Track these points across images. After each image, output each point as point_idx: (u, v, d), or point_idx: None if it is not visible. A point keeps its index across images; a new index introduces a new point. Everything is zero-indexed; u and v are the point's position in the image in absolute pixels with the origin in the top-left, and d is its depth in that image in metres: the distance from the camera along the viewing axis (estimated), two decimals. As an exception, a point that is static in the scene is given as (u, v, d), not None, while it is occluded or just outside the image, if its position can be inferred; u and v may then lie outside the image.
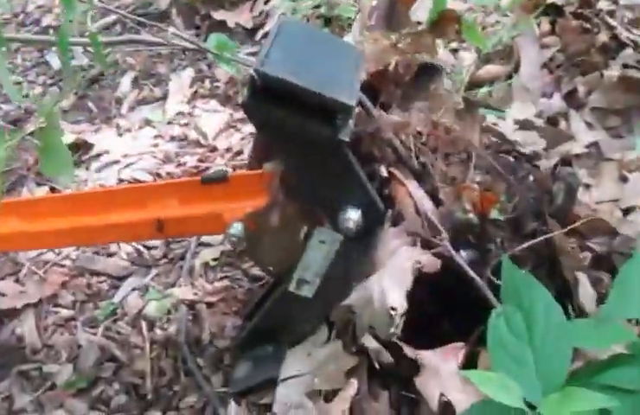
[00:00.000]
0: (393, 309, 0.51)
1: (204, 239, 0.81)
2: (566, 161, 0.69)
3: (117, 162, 0.96)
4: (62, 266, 0.82)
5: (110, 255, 0.83)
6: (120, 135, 1.02)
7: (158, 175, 0.93)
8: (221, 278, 0.77)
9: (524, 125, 0.74)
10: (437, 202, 0.57)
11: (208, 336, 0.70)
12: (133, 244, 0.82)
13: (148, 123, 1.03)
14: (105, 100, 1.10)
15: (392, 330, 0.51)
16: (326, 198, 0.56)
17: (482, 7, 0.98)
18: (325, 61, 0.53)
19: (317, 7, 1.10)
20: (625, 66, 0.83)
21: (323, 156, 0.54)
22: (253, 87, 0.50)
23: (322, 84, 0.50)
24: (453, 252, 0.52)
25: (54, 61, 1.15)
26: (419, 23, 0.68)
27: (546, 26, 0.92)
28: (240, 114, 0.97)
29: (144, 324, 0.73)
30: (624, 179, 0.71)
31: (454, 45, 0.98)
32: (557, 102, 0.83)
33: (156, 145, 0.98)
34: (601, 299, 0.57)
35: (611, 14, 0.89)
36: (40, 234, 0.64)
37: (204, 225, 0.62)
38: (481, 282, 0.51)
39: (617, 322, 0.43)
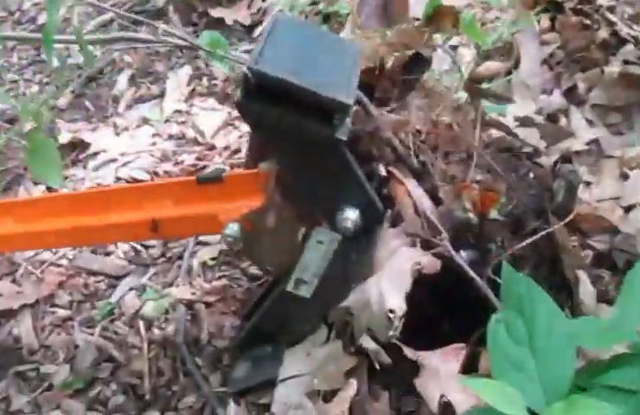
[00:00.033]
0: (391, 311, 0.50)
1: (202, 238, 0.81)
2: (566, 158, 0.68)
3: (114, 160, 0.95)
4: (59, 266, 0.82)
5: (107, 254, 0.82)
6: (117, 133, 1.01)
7: (156, 173, 0.92)
8: (220, 278, 0.76)
9: (524, 122, 0.73)
10: (436, 202, 0.57)
11: (207, 336, 0.69)
12: (130, 243, 0.82)
13: (145, 121, 1.02)
14: (102, 99, 1.09)
15: (390, 333, 0.50)
16: (324, 198, 0.56)
17: (481, 3, 0.97)
18: (321, 59, 0.52)
19: (315, 3, 1.09)
20: (626, 62, 0.82)
21: (320, 156, 0.53)
22: (247, 86, 0.49)
23: (318, 82, 0.49)
24: (453, 253, 0.51)
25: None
26: (416, 20, 0.67)
27: (546, 22, 0.92)
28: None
29: (141, 324, 0.72)
30: (624, 176, 0.71)
31: (454, 42, 0.98)
32: (557, 99, 0.83)
33: (153, 144, 0.98)
34: (601, 297, 0.57)
35: (612, 10, 0.89)
36: (34, 234, 0.63)
37: (200, 225, 0.61)
38: (481, 282, 0.50)
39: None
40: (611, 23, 0.86)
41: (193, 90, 1.06)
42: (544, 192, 0.56)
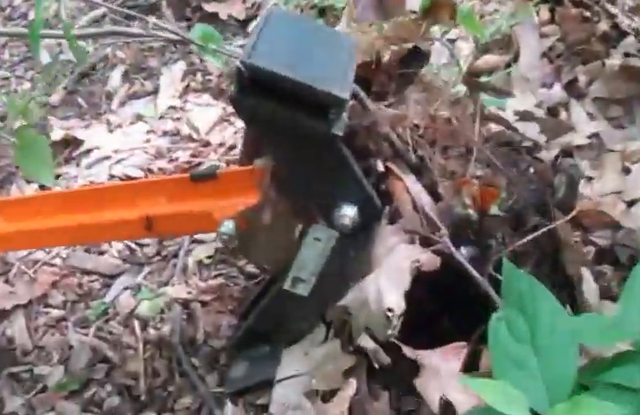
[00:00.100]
0: (390, 310, 0.49)
1: (198, 236, 0.80)
2: (567, 152, 0.67)
3: (108, 158, 0.94)
4: (52, 265, 0.81)
5: (101, 253, 0.82)
6: (111, 130, 1.00)
7: (150, 170, 0.91)
8: (216, 276, 0.76)
9: (524, 116, 0.73)
10: (435, 197, 0.56)
11: (203, 336, 0.69)
12: (125, 241, 0.81)
13: (139, 118, 1.01)
14: (96, 95, 1.08)
15: (389, 332, 0.49)
16: (320, 194, 0.55)
17: (479, -6, 0.96)
18: (316, 52, 0.51)
19: (311, -4, 1.08)
20: (627, 54, 0.82)
21: (316, 152, 0.52)
22: (241, 81, 0.48)
23: (313, 76, 0.48)
24: (453, 249, 0.51)
25: (43, 56, 1.12)
26: (413, 12, 0.66)
27: (545, 14, 0.91)
28: (234, 108, 0.96)
29: (136, 324, 0.72)
30: (626, 170, 0.70)
31: (452, 35, 0.97)
32: (557, 92, 0.82)
33: (147, 141, 0.97)
34: (604, 293, 0.56)
35: (612, 1, 0.88)
36: (25, 233, 0.62)
37: (194, 223, 0.60)
38: (482, 279, 0.49)
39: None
40: (611, 15, 0.85)
41: (187, 86, 1.05)
42: (545, 187, 0.55)
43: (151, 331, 0.70)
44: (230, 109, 0.97)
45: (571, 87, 0.82)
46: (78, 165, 0.94)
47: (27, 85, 1.13)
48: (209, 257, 0.77)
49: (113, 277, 0.78)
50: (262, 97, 0.49)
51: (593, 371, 0.42)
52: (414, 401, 0.55)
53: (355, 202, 0.54)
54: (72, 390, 0.67)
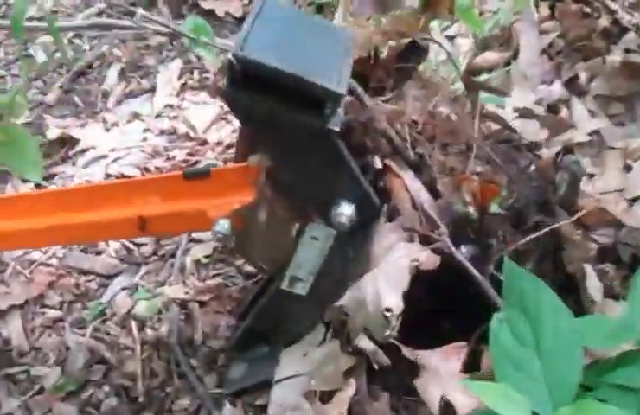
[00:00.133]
0: (388, 310, 0.48)
1: (195, 235, 0.79)
2: (568, 149, 0.67)
3: (104, 157, 0.94)
4: (49, 265, 0.80)
5: (98, 253, 0.81)
6: (107, 129, 0.99)
7: (147, 169, 0.91)
8: (214, 276, 0.75)
9: (524, 114, 0.72)
10: (435, 195, 0.55)
11: (201, 336, 0.68)
12: (122, 241, 0.81)
13: (136, 116, 1.01)
14: (92, 94, 1.07)
15: (387, 332, 0.49)
16: (316, 192, 0.54)
17: (479, -9, 0.95)
18: (311, 45, 0.50)
19: (308, -8, 1.07)
20: (628, 51, 0.81)
21: (312, 148, 0.51)
22: (233, 74, 0.47)
23: (308, 69, 0.47)
24: (453, 248, 0.50)
25: (38, 55, 1.12)
26: (411, 6, 0.65)
27: (545, 11, 0.91)
28: (232, 106, 0.95)
29: (134, 324, 0.71)
30: (628, 168, 0.70)
31: (451, 32, 0.96)
32: (558, 89, 0.82)
33: (144, 139, 0.96)
34: (606, 292, 0.55)
35: (612, -3, 0.87)
36: (17, 233, 0.61)
37: (188, 222, 0.59)
38: (482, 278, 0.49)
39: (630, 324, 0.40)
40: (611, 11, 0.85)
41: (184, 84, 1.05)
42: (546, 184, 0.55)
43: (149, 332, 0.70)
44: (227, 107, 0.96)
45: (571, 84, 0.82)
46: (74, 164, 0.94)
47: (22, 83, 1.12)
48: (207, 256, 0.77)
49: (110, 277, 0.77)
50: (255, 91, 0.48)
51: (597, 372, 0.41)
52: (415, 402, 0.55)
53: (352, 200, 0.53)
54: (69, 391, 0.66)
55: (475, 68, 0.87)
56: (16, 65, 1.15)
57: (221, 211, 0.54)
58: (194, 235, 0.79)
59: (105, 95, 1.06)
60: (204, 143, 0.93)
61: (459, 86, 0.66)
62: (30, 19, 1.08)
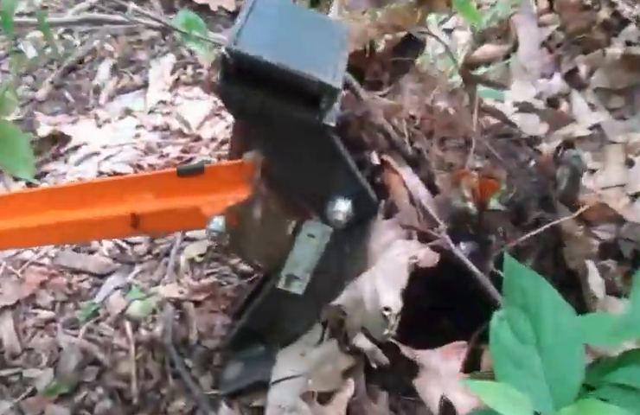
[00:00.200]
0: (386, 309, 0.47)
1: (190, 233, 0.78)
2: (568, 144, 0.66)
3: (96, 154, 0.93)
4: (41, 265, 0.79)
5: (91, 252, 0.80)
6: (99, 126, 0.98)
7: (140, 166, 0.89)
8: (209, 275, 0.74)
9: (523, 108, 0.71)
10: (433, 191, 0.54)
11: (196, 336, 0.67)
12: (115, 240, 0.80)
13: (128, 112, 1.00)
14: (83, 90, 1.06)
15: (386, 331, 0.48)
16: (312, 188, 0.53)
17: (477, -16, 0.94)
18: (306, 39, 0.49)
19: (304, -13, 1.06)
20: (628, 43, 0.80)
21: (307, 144, 0.50)
22: (226, 69, 0.46)
23: (303, 63, 0.46)
24: (452, 245, 0.49)
25: (29, 50, 1.10)
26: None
27: (544, 3, 0.90)
28: (226, 101, 0.94)
29: (127, 325, 0.70)
30: (629, 163, 0.69)
31: (449, 25, 0.95)
32: (557, 82, 0.81)
33: (137, 136, 0.95)
34: (608, 288, 0.55)
35: (612, -12, 0.86)
36: (6, 232, 0.60)
37: (182, 220, 0.58)
38: (482, 275, 0.48)
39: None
40: (612, 3, 0.84)
41: (177, 79, 1.04)
42: (547, 179, 0.54)
43: (143, 332, 0.69)
44: (221, 102, 0.95)
45: (571, 77, 0.82)
46: (66, 162, 0.93)
47: (12, 79, 1.10)
48: (202, 255, 0.76)
49: (103, 276, 0.76)
50: (249, 86, 0.47)
51: (599, 371, 0.40)
52: (414, 402, 0.54)
53: (348, 196, 0.52)
54: (62, 393, 0.65)
55: (473, 62, 0.86)
56: (5, 61, 1.14)
57: (216, 208, 0.53)
58: (188, 234, 0.78)
59: (97, 91, 1.05)
60: (198, 139, 0.93)
61: (457, 80, 0.65)
62: (20, 14, 1.07)
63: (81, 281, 0.76)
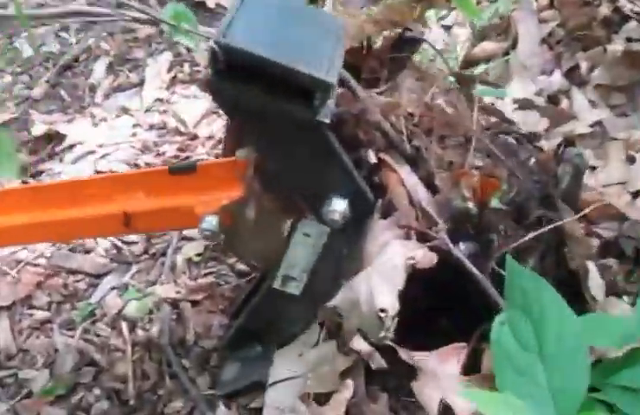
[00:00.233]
0: (382, 311, 0.46)
1: (187, 232, 0.78)
2: (569, 141, 0.65)
3: (92, 152, 0.92)
4: (36, 265, 0.78)
5: (87, 252, 0.79)
6: (95, 124, 0.98)
7: (137, 165, 0.89)
8: (206, 274, 0.74)
9: (524, 105, 0.70)
10: (432, 190, 0.53)
11: (193, 337, 0.67)
12: (111, 239, 0.79)
13: (125, 111, 0.99)
14: (79, 88, 1.06)
15: (382, 334, 0.47)
16: (307, 187, 0.52)
17: (477, -21, 0.93)
18: (300, 33, 0.47)
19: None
20: (629, 39, 0.80)
21: (301, 141, 0.49)
22: (216, 63, 0.45)
23: (296, 58, 0.44)
24: (451, 245, 0.48)
25: (24, 49, 1.09)
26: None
27: (544, -1, 0.89)
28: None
29: (124, 325, 0.69)
30: (631, 160, 0.68)
31: (448, 21, 0.94)
32: (558, 79, 0.80)
33: (133, 135, 0.95)
34: (610, 287, 0.54)
35: (613, -16, 0.85)
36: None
37: (175, 219, 0.57)
38: (482, 277, 0.47)
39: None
40: (612, -1, 0.83)
41: (174, 77, 1.04)
42: (548, 178, 0.53)
43: (140, 332, 0.68)
44: (212, 98, 0.94)
45: (572, 74, 0.81)
46: (61, 161, 0.92)
47: (8, 78, 1.09)
48: (199, 254, 0.75)
49: (100, 276, 0.76)
50: (240, 81, 0.45)
51: (602, 372, 0.39)
52: (413, 403, 0.53)
53: (345, 195, 0.51)
54: (58, 395, 0.65)
55: (472, 59, 0.86)
56: (1, 59, 1.13)
57: (209, 207, 0.52)
58: (185, 233, 0.78)
59: (93, 89, 1.05)
60: (195, 137, 0.92)
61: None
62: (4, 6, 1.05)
63: (77, 281, 0.76)
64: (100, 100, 1.02)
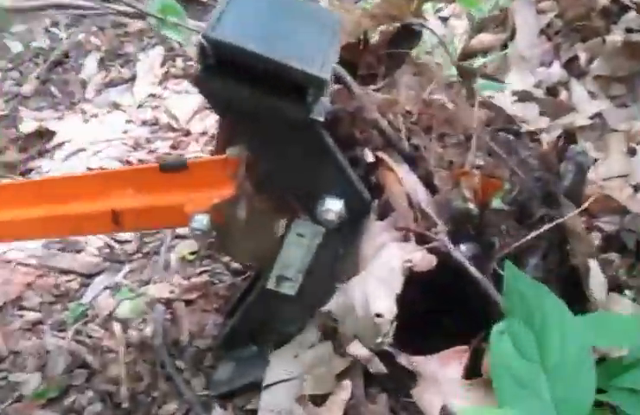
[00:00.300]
0: (378, 315, 0.45)
1: (180, 230, 0.76)
2: (569, 133, 0.64)
3: (83, 150, 0.91)
4: (27, 265, 0.77)
5: (78, 251, 0.78)
6: (86, 121, 0.96)
7: (129, 162, 0.88)
8: (200, 273, 0.73)
9: (523, 97, 0.69)
10: (432, 190, 0.52)
11: (188, 337, 0.66)
12: (104, 238, 0.78)
13: (116, 107, 0.98)
14: (70, 84, 1.04)
15: (379, 339, 0.45)
16: (300, 187, 0.51)
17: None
18: (293, 27, 0.46)
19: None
20: (628, 30, 0.79)
21: (294, 139, 0.47)
22: (205, 58, 0.43)
23: (288, 53, 0.43)
24: (451, 247, 0.47)
25: (14, 45, 1.07)
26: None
27: (542, -10, 0.87)
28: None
29: (117, 326, 0.68)
30: (632, 152, 0.67)
31: (445, 13, 0.93)
32: (557, 71, 0.79)
33: (125, 131, 0.93)
34: (612, 282, 0.53)
35: (612, -26, 0.84)
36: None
37: (165, 217, 0.56)
38: (483, 279, 0.46)
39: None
40: (611, -11, 0.82)
41: (166, 72, 1.02)
42: (550, 175, 0.52)
43: (133, 333, 0.67)
44: (201, 94, 0.93)
45: (571, 65, 0.80)
46: (52, 158, 0.91)
47: (-3, 74, 1.08)
48: (193, 253, 0.75)
49: (92, 276, 0.75)
50: (230, 77, 0.44)
51: (607, 374, 0.38)
52: (413, 403, 0.52)
53: (340, 195, 0.50)
54: (50, 398, 0.64)
55: (470, 51, 0.84)
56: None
57: (199, 206, 0.51)
58: (178, 231, 0.76)
59: (84, 85, 1.03)
60: (187, 133, 0.91)
61: (455, 72, 0.63)
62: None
63: (69, 281, 0.75)
64: (91, 96, 1.01)
